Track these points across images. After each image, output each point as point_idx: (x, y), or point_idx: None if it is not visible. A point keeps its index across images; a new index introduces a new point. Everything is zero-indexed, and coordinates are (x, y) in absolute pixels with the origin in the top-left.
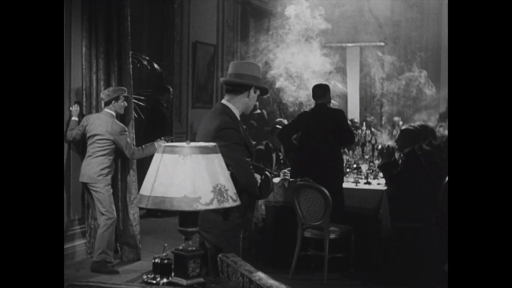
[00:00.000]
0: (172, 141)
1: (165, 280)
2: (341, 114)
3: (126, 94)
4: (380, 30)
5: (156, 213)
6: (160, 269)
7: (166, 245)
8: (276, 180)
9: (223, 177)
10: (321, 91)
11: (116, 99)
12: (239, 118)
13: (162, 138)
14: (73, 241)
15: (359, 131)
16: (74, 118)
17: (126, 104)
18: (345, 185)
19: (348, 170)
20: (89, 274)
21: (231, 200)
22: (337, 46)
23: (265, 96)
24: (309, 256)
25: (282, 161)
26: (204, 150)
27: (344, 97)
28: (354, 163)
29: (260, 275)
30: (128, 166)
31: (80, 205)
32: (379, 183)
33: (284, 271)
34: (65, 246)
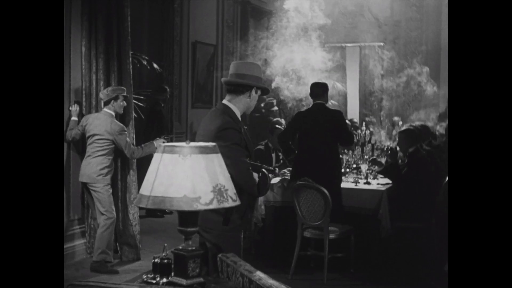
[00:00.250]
0: (172, 140)
1: (164, 280)
2: (339, 114)
3: (125, 94)
4: (380, 30)
5: (156, 213)
6: (160, 269)
7: (166, 245)
8: (275, 180)
9: (223, 177)
10: (320, 90)
11: (115, 98)
12: (240, 118)
13: (162, 136)
14: (73, 241)
15: (359, 131)
16: (74, 118)
17: (125, 104)
18: (344, 185)
19: (347, 170)
20: (89, 274)
21: (231, 200)
22: (337, 46)
23: (265, 97)
24: (309, 256)
25: (281, 161)
26: (204, 150)
27: (343, 97)
28: (354, 163)
29: (260, 275)
30: (128, 166)
31: (80, 205)
32: (378, 183)
33: (284, 271)
34: (64, 246)
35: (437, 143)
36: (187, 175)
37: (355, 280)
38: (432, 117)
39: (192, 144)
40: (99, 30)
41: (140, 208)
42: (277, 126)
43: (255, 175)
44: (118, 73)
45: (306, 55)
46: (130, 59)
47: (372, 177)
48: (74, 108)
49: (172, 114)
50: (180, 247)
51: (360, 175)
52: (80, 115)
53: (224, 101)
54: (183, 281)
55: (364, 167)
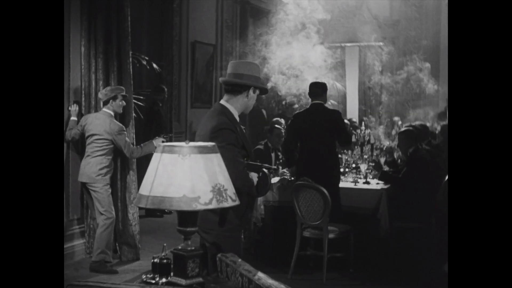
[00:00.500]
0: (171, 139)
1: (164, 280)
2: (338, 115)
3: (124, 94)
4: (379, 29)
5: (156, 213)
6: (159, 269)
7: (165, 245)
8: (275, 180)
9: (222, 177)
10: (319, 90)
11: (114, 98)
12: (237, 119)
13: (161, 135)
14: (72, 241)
15: (358, 131)
16: (73, 117)
17: (124, 103)
18: (344, 184)
19: (347, 169)
20: (88, 274)
21: (230, 200)
22: (336, 46)
23: (263, 96)
24: (308, 255)
25: (281, 160)
26: (203, 150)
27: (343, 97)
28: (353, 162)
29: (259, 275)
30: (127, 166)
31: (79, 205)
32: (378, 183)
33: (283, 271)
34: (64, 246)
35: (437, 142)
36: (186, 175)
37: (354, 279)
38: (431, 115)
39: (191, 144)
40: (99, 30)
41: (140, 208)
42: (276, 125)
43: (255, 175)
44: (117, 73)
45: (305, 52)
46: (130, 59)
47: (371, 177)
48: (73, 108)
49: (171, 114)
50: (180, 247)
51: (360, 174)
52: (80, 115)
53: (222, 101)
54: (183, 281)
55: (363, 167)
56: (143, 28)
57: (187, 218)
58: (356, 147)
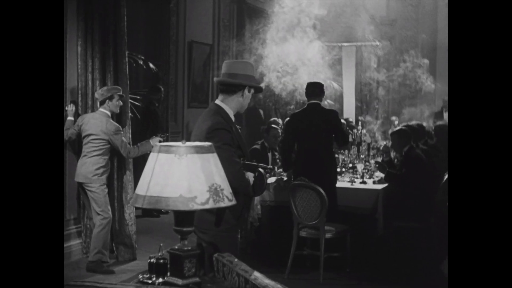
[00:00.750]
0: (167, 138)
1: (160, 280)
2: (335, 115)
3: (120, 93)
4: (376, 29)
5: (152, 213)
6: (155, 269)
7: (161, 245)
8: (271, 180)
9: (219, 177)
10: (317, 90)
11: (110, 98)
12: (233, 118)
13: (158, 135)
14: (69, 241)
15: (355, 131)
16: (70, 117)
17: (121, 103)
18: (340, 184)
19: (343, 169)
20: (85, 274)
21: (227, 199)
22: (333, 45)
23: (260, 96)
24: (305, 255)
25: (277, 160)
26: (199, 150)
27: (339, 96)
28: (350, 162)
29: (256, 275)
30: (124, 166)
31: (76, 205)
32: (374, 182)
33: (280, 271)
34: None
35: (433, 142)
36: (183, 175)
37: (351, 279)
38: (427, 114)
39: (188, 143)
40: (95, 30)
41: (136, 208)
42: (273, 125)
43: (251, 175)
44: (114, 72)
45: (302, 48)
46: (127, 58)
47: (368, 177)
48: (70, 108)
49: (168, 114)
50: (176, 247)
51: (356, 174)
52: (76, 115)
53: (217, 101)
54: (179, 281)
55: (360, 167)
56: (139, 28)
57: (184, 218)
58: (352, 146)
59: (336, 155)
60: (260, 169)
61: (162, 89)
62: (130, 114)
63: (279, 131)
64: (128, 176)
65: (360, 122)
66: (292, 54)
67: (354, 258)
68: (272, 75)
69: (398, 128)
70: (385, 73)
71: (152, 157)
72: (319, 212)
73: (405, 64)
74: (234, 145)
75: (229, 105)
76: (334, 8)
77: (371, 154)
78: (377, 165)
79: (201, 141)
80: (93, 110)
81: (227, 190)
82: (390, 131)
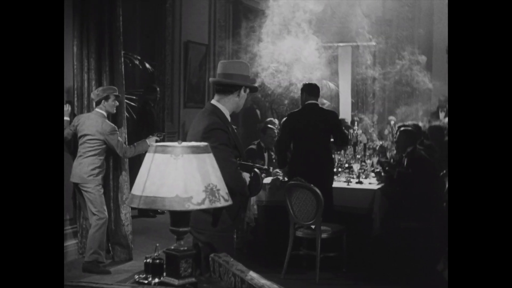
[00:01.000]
0: (164, 137)
1: (156, 280)
2: (334, 116)
3: (116, 93)
4: (372, 29)
5: (148, 213)
6: (151, 269)
7: (157, 245)
8: (268, 180)
9: (215, 177)
10: (314, 90)
11: (106, 98)
12: (229, 118)
13: (155, 134)
14: (65, 241)
15: (351, 131)
16: (65, 118)
17: (117, 103)
18: (337, 184)
19: (340, 169)
20: (81, 274)
21: (223, 200)
22: (329, 45)
23: (259, 95)
24: (301, 255)
25: (274, 160)
26: (195, 150)
27: (335, 96)
28: (346, 162)
29: (252, 275)
30: (120, 166)
31: (72, 205)
32: (370, 183)
33: (276, 271)
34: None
35: (429, 142)
36: (179, 175)
37: (348, 279)
38: (422, 113)
39: (184, 144)
40: (91, 30)
41: (132, 208)
42: (269, 125)
43: (247, 175)
44: (110, 73)
45: (297, 45)
46: (122, 59)
47: (364, 177)
48: (66, 108)
49: (164, 114)
50: (172, 247)
51: (352, 174)
52: (72, 115)
53: (213, 101)
54: (175, 281)
55: (356, 167)
56: (135, 28)
57: (180, 218)
58: (348, 147)
59: (333, 155)
60: (256, 170)
61: (158, 89)
62: (126, 114)
63: (276, 131)
64: (124, 176)
65: (356, 123)
66: (287, 52)
67: (351, 258)
68: (268, 74)
69: (406, 128)
70: (381, 72)
71: (148, 157)
72: (315, 212)
73: (401, 63)
74: (230, 145)
75: (225, 105)
76: (330, 8)
77: (367, 154)
78: (380, 165)
79: (197, 141)
80: (89, 110)
81: (223, 190)
82: (386, 131)
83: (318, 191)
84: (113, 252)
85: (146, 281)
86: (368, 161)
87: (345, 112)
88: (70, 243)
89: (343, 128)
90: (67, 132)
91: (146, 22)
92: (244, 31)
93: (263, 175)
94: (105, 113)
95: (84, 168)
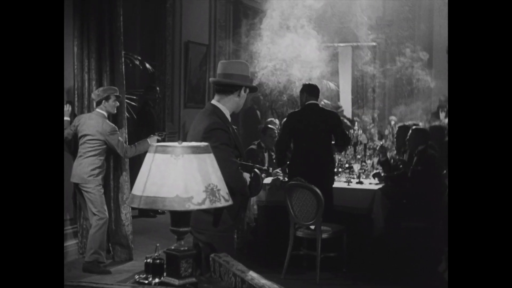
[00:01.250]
0: (165, 136)
1: (157, 280)
2: (336, 117)
3: (117, 94)
4: (372, 29)
5: (149, 213)
6: (152, 269)
7: (158, 245)
8: (268, 180)
9: (215, 177)
10: (315, 91)
11: (107, 98)
12: (229, 118)
13: (156, 133)
14: (65, 241)
15: (351, 131)
16: (66, 118)
17: (118, 103)
18: (337, 184)
19: (340, 169)
20: (81, 274)
21: (223, 200)
22: (329, 46)
23: (259, 96)
24: (302, 255)
25: (274, 160)
26: (196, 150)
27: (335, 96)
28: (346, 162)
29: (253, 275)
30: (120, 166)
31: (72, 205)
32: (371, 183)
33: (276, 271)
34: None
35: (431, 142)
36: (179, 175)
37: (348, 279)
38: (422, 113)
39: (184, 144)
40: (91, 30)
41: (133, 208)
42: (269, 126)
43: (247, 175)
44: (110, 73)
45: (299, 44)
46: (123, 59)
47: (364, 177)
48: (66, 108)
49: (165, 114)
50: (173, 247)
51: (353, 174)
52: (72, 115)
53: (213, 101)
54: (176, 281)
55: (356, 167)
56: (136, 28)
57: (180, 218)
58: (349, 147)
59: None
60: (256, 170)
61: (158, 89)
62: (126, 115)
63: (276, 131)
64: (125, 177)
65: (356, 123)
66: (287, 51)
67: (351, 258)
68: (267, 72)
69: (418, 126)
70: (381, 71)
71: (148, 157)
72: (316, 212)
73: (401, 63)
74: (231, 145)
75: (226, 105)
76: (330, 9)
77: (368, 154)
78: (380, 165)
79: (197, 141)
80: (89, 111)
81: (223, 190)
82: (386, 131)
83: (318, 191)
84: (114, 252)
85: (146, 281)
86: (369, 161)
87: (345, 112)
88: (70, 243)
89: (345, 130)
90: (68, 132)
91: (147, 22)
92: (244, 30)
93: (263, 175)
94: (105, 114)
95: (84, 169)
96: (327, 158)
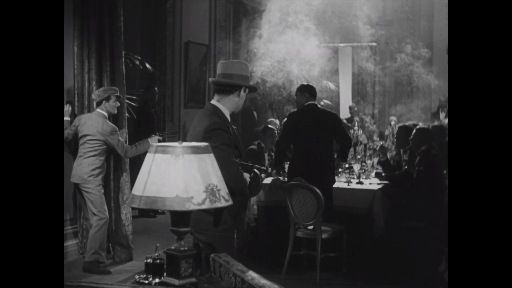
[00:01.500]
0: (166, 136)
1: (157, 280)
2: (335, 117)
3: (117, 94)
4: (373, 30)
5: (149, 213)
6: (152, 269)
7: (158, 245)
8: (268, 180)
9: (215, 177)
10: (313, 91)
11: (107, 99)
12: (229, 118)
13: (157, 133)
14: (65, 241)
15: (351, 131)
16: (66, 118)
17: (118, 104)
18: (337, 184)
19: (340, 170)
20: (81, 274)
21: (223, 200)
22: (329, 46)
23: (257, 96)
24: (302, 255)
25: (274, 161)
26: (196, 150)
27: (336, 97)
28: (346, 162)
29: (253, 275)
30: (120, 167)
31: (72, 205)
32: (371, 183)
33: (276, 271)
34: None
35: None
36: (179, 175)
37: (348, 279)
38: (418, 112)
39: (185, 144)
40: (91, 30)
41: (133, 208)
42: (269, 126)
43: (247, 175)
44: (110, 73)
45: (299, 42)
46: (123, 59)
47: (364, 177)
48: (66, 108)
49: (165, 114)
50: (173, 247)
51: (353, 174)
52: (73, 115)
53: (213, 101)
54: (176, 281)
55: (356, 167)
56: (136, 28)
57: (180, 218)
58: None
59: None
60: (256, 170)
61: (156, 89)
62: (126, 115)
63: (276, 132)
64: (125, 177)
65: (356, 123)
66: (287, 50)
67: (351, 258)
68: (268, 72)
69: (422, 126)
70: (381, 71)
71: (148, 157)
72: (316, 212)
73: (402, 60)
74: (231, 145)
75: (225, 105)
76: (330, 9)
77: (368, 154)
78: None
79: (197, 141)
80: (89, 111)
81: (223, 190)
82: (386, 132)
83: (318, 191)
84: (114, 252)
85: (146, 281)
86: (369, 161)
87: (345, 112)
88: (71, 243)
89: (346, 130)
90: (68, 132)
91: (147, 22)
92: (245, 30)
93: (262, 175)
94: (106, 114)
95: (84, 169)
96: (327, 158)
